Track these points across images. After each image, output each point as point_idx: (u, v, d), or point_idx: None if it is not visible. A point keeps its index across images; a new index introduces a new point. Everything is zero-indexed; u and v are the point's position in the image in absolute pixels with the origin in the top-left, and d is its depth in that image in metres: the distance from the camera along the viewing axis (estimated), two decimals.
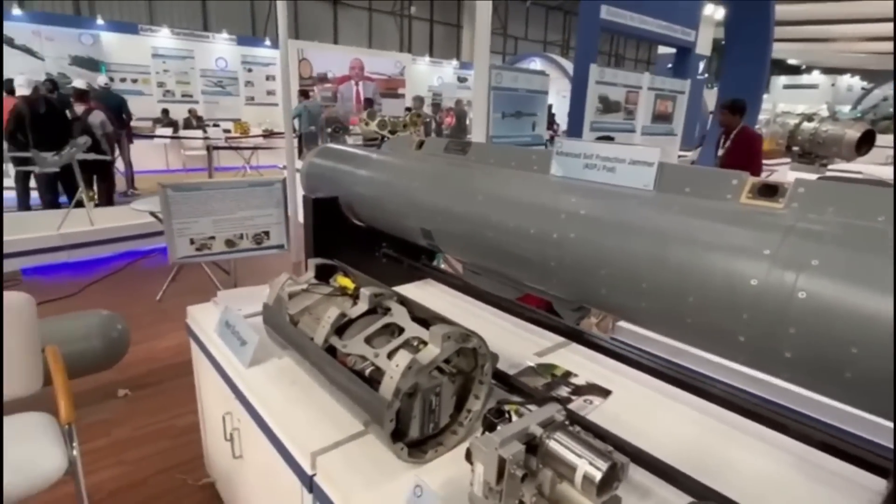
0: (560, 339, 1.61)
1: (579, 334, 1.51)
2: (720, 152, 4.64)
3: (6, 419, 1.63)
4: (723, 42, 7.99)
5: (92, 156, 4.80)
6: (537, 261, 1.25)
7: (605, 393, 1.37)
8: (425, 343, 1.08)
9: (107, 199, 6.07)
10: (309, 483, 1.11)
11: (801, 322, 0.81)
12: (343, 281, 1.40)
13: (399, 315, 1.22)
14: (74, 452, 1.53)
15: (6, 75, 6.04)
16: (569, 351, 1.59)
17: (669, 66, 8.68)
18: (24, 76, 5.58)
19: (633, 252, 1.05)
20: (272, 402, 1.30)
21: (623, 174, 1.19)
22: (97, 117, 5.88)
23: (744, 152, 4.39)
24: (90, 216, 4.65)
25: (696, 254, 0.96)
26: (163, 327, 3.24)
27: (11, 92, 5.61)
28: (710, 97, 9.31)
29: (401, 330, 1.17)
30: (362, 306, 1.25)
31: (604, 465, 0.85)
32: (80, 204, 4.47)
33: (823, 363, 0.80)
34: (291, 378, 1.37)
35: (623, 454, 0.88)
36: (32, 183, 5.64)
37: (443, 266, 2.57)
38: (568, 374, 1.46)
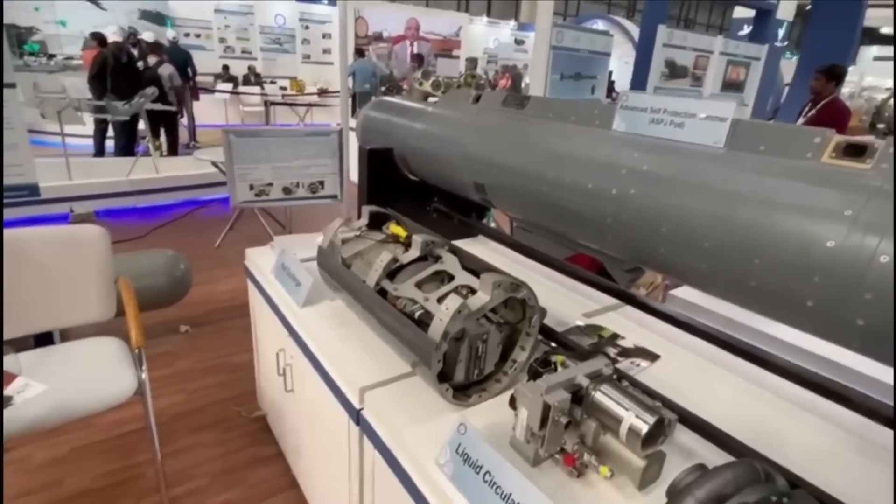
0: (609, 301, 1.58)
1: (630, 297, 1.48)
2: (800, 121, 4.30)
3: (86, 341, 1.78)
4: (808, 7, 7.33)
5: (159, 106, 5.01)
6: (593, 217, 1.23)
7: (653, 357, 1.34)
8: (474, 291, 1.09)
9: (172, 149, 6.36)
10: (356, 416, 1.16)
11: (880, 287, 0.76)
12: (395, 229, 1.41)
13: (450, 263, 1.23)
14: (143, 375, 1.65)
15: (77, 28, 6.33)
16: (617, 314, 1.57)
17: (745, 31, 8.09)
18: (115, 25, 5.91)
19: (697, 210, 1.00)
20: (324, 340, 1.35)
21: (692, 130, 1.13)
22: (166, 70, 6.12)
23: (829, 125, 4.06)
24: (156, 165, 4.90)
25: (767, 214, 0.91)
26: (221, 272, 3.40)
27: (103, 44, 5.88)
28: (788, 69, 8.62)
29: (451, 277, 1.18)
30: (414, 253, 1.27)
31: (651, 419, 0.85)
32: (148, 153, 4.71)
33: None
34: (342, 319, 1.42)
35: (673, 413, 0.87)
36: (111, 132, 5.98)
37: (492, 224, 2.56)
38: (615, 336, 1.44)
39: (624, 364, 1.30)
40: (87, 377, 1.60)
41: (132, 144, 5.85)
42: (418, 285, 1.18)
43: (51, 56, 8.74)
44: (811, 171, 0.92)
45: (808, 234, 0.84)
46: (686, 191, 1.04)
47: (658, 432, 0.85)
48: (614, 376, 0.96)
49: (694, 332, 1.27)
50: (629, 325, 1.49)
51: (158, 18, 10.42)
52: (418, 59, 9.88)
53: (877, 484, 0.95)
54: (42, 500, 1.70)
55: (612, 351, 1.36)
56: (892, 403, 0.98)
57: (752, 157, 1.01)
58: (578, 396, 0.94)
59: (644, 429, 0.84)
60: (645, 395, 0.92)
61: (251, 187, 1.97)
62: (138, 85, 5.33)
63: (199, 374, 2.39)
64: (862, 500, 0.85)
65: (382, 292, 1.22)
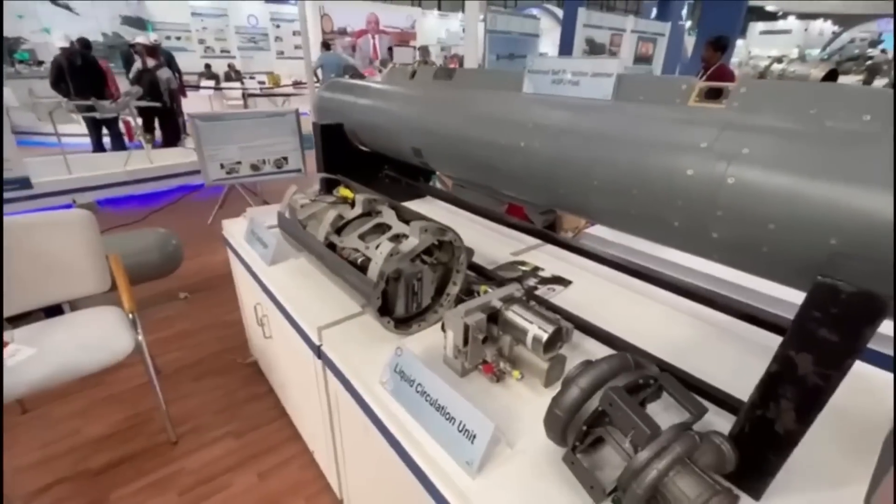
0: (533, 241, 1.58)
1: (548, 236, 1.47)
2: None
3: (86, 311, 1.69)
4: None
5: (145, 103, 4.66)
6: (508, 169, 1.20)
7: (566, 283, 1.36)
8: (407, 237, 1.06)
9: (172, 141, 6.01)
10: (318, 352, 1.14)
11: (729, 205, 0.76)
12: (343, 191, 1.36)
13: (388, 216, 1.19)
14: (139, 337, 1.58)
15: (56, 32, 5.77)
16: (541, 252, 1.57)
17: (654, 13, 8.00)
18: (61, 31, 5.40)
19: (588, 155, 0.99)
20: (288, 291, 1.31)
21: (586, 86, 1.10)
22: (165, 73, 5.68)
23: None
24: (150, 156, 4.60)
25: (643, 152, 0.90)
26: (213, 245, 3.27)
27: (88, 47, 5.37)
28: (692, 45, 8.61)
29: (389, 228, 1.15)
30: (357, 210, 1.23)
31: (550, 328, 0.85)
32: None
33: (744, 240, 0.77)
34: (304, 273, 1.38)
35: (570, 323, 0.87)
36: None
37: (437, 186, 2.51)
38: (536, 268, 1.44)
39: (542, 291, 1.31)
40: (87, 341, 1.53)
41: (119, 138, 5.49)
42: (361, 237, 1.14)
43: (40, 63, 7.98)
44: (678, 114, 0.90)
45: (674, 166, 0.83)
46: (579, 139, 1.01)
47: (557, 339, 0.86)
48: (524, 298, 0.96)
49: (596, 259, 1.28)
50: (549, 260, 1.50)
51: (139, 23, 9.57)
52: (390, 52, 9.45)
53: (729, 364, 1.00)
54: (63, 447, 1.65)
55: (532, 280, 1.37)
56: (746, 301, 1.02)
57: (633, 106, 0.99)
58: (494, 317, 0.93)
59: (544, 336, 0.84)
60: (548, 311, 0.92)
61: (222, 166, 1.86)
62: (101, 83, 4.96)
63: (197, 332, 2.32)
64: (717, 377, 0.89)
65: (332, 246, 1.18)
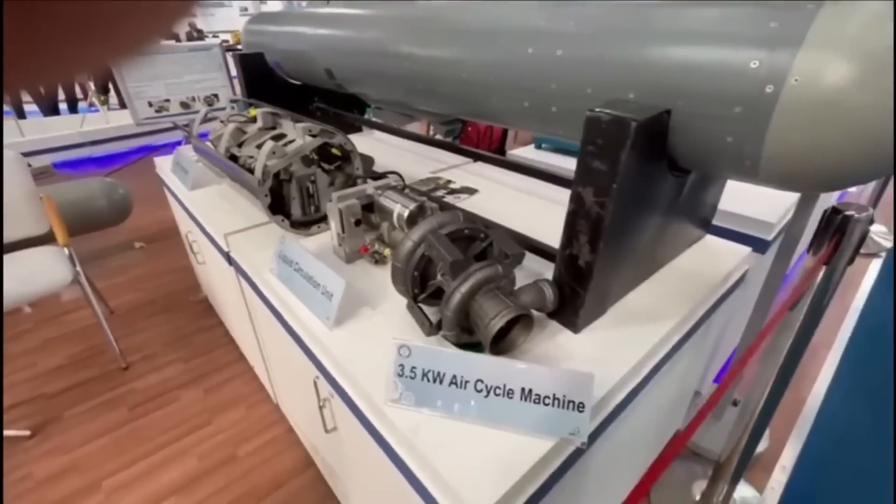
0: (454, 161, 1.65)
1: (469, 153, 1.54)
2: None
3: (24, 252, 1.75)
4: None
5: None
6: (405, 80, 1.24)
7: (472, 192, 1.43)
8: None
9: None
10: (228, 258, 1.22)
11: (559, 77, 0.83)
12: (252, 111, 1.40)
13: (287, 128, 1.24)
14: (77, 269, 1.65)
15: None
16: (461, 170, 1.64)
17: None
18: None
19: (461, 55, 1.03)
20: (205, 211, 1.37)
21: None
22: None
23: None
24: (106, 117, 4.51)
25: (497, 43, 0.95)
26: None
27: None
28: None
29: (284, 137, 1.20)
30: (259, 124, 1.27)
31: (412, 205, 0.93)
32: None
33: (572, 108, 0.83)
34: (222, 195, 1.44)
35: (436, 204, 0.95)
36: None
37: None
38: (449, 181, 1.51)
39: (449, 199, 1.39)
40: (24, 274, 1.59)
41: (73, 101, 5.34)
42: (258, 147, 1.19)
43: None
44: (529, 4, 0.95)
45: (521, 49, 0.89)
46: (457, 40, 1.06)
47: (419, 214, 0.94)
48: (399, 186, 1.04)
49: (501, 165, 1.35)
50: (464, 176, 1.57)
51: None
52: None
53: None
54: (20, 378, 1.75)
55: (442, 191, 1.44)
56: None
57: (493, 4, 1.03)
58: (371, 206, 1.01)
59: (405, 212, 0.92)
60: (416, 194, 1.00)
61: (150, 104, 1.87)
62: None
63: (151, 277, 2.39)
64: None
65: (234, 158, 1.24)
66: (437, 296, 0.83)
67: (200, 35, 9.61)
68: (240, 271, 1.20)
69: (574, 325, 0.80)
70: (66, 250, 1.66)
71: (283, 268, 0.98)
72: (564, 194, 1.26)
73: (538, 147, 1.92)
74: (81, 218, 2.29)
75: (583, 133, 0.67)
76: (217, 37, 9.59)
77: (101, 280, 2.32)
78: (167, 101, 1.86)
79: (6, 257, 1.72)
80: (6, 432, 1.50)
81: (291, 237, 0.98)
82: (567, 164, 1.77)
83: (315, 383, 0.94)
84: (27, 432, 1.51)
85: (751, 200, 1.30)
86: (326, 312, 0.84)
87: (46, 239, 1.79)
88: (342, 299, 0.82)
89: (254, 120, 1.38)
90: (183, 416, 1.58)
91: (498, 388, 0.62)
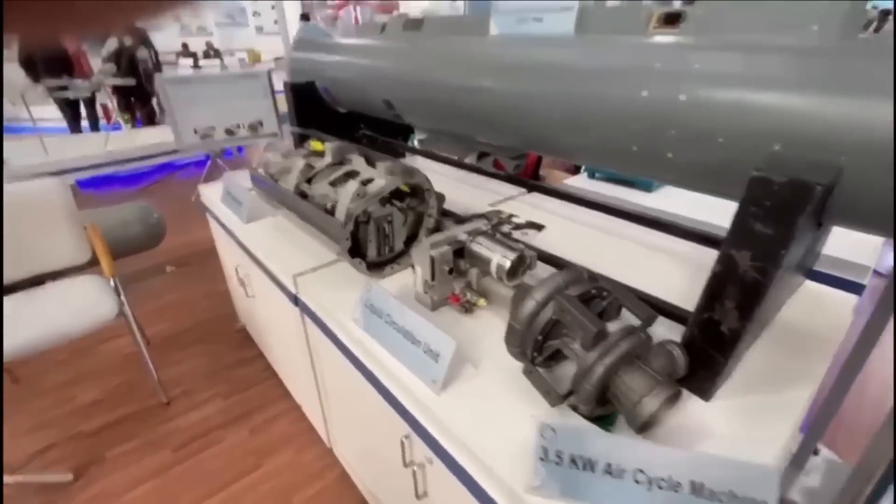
0: (511, 192, 1.60)
1: (524, 182, 1.49)
2: None
3: (68, 280, 1.70)
4: None
5: (119, 81, 4.56)
6: (476, 112, 1.20)
7: (539, 227, 1.38)
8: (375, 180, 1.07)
9: (150, 121, 5.89)
10: (295, 299, 1.16)
11: (682, 123, 0.78)
12: (315, 144, 1.36)
13: (358, 163, 1.19)
14: (122, 301, 1.60)
15: None
16: (517, 202, 1.58)
17: None
18: None
19: (551, 90, 0.99)
20: (265, 245, 1.33)
21: (549, 22, 1.09)
22: (142, 53, 5.53)
23: None
24: (130, 136, 4.53)
25: (603, 82, 0.90)
26: (199, 221, 3.20)
27: None
28: None
29: (359, 174, 1.15)
30: (328, 159, 1.23)
31: (513, 255, 0.87)
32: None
33: (696, 157, 0.78)
34: (280, 228, 1.39)
35: (534, 252, 0.90)
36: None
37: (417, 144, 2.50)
38: (511, 215, 1.46)
39: (516, 235, 1.33)
40: (70, 307, 1.54)
41: (96, 119, 5.38)
42: (332, 184, 1.15)
43: None
44: (637, 40, 0.91)
45: (631, 91, 0.84)
46: (542, 75, 1.02)
47: (520, 265, 0.89)
48: (490, 231, 0.98)
49: (568, 199, 1.30)
50: (524, 208, 1.51)
51: None
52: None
53: (685, 283, 1.03)
54: (57, 413, 1.69)
55: (506, 227, 1.39)
56: (702, 228, 1.04)
57: (594, 38, 0.99)
58: (461, 251, 0.96)
59: (507, 263, 0.87)
60: (513, 241, 0.94)
61: (195, 132, 1.84)
62: (69, 62, 4.83)
63: (184, 304, 2.34)
64: (671, 295, 0.92)
65: (304, 195, 1.19)
66: (552, 357, 0.76)
67: (218, 53, 9.76)
68: (307, 313, 1.14)
69: (706, 392, 0.73)
70: (111, 281, 1.61)
71: (372, 319, 0.92)
72: (637, 231, 1.21)
73: (591, 177, 1.87)
74: (116, 244, 2.23)
75: (745, 193, 0.61)
76: (234, 55, 9.73)
77: (134, 306, 2.26)
78: (212, 128, 1.83)
79: (49, 286, 1.68)
80: (48, 478, 1.43)
81: (379, 286, 0.92)
82: (624, 196, 1.72)
83: (403, 442, 0.88)
84: (70, 476, 1.43)
85: (838, 241, 1.24)
86: (432, 375, 0.77)
87: (85, 266, 1.75)
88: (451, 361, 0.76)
89: (315, 153, 1.34)
90: (229, 459, 1.50)
91: (662, 479, 0.56)
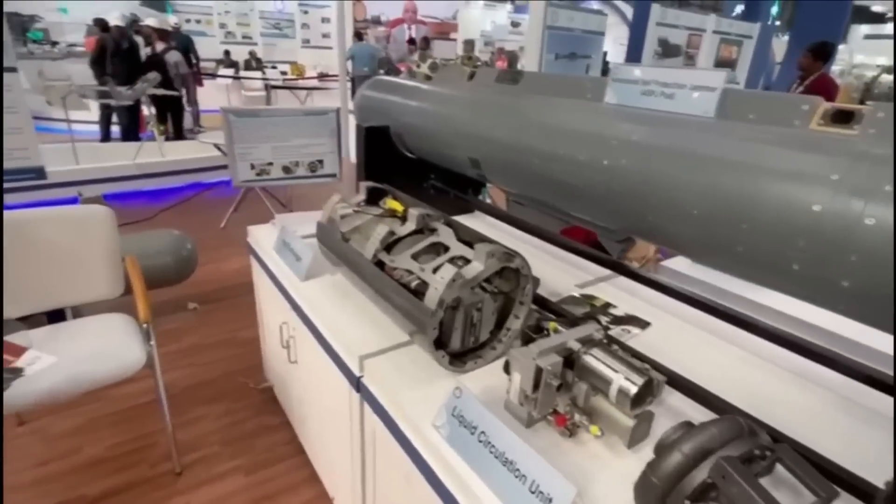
0: (602, 272, 1.58)
1: (622, 267, 1.47)
2: None
3: (95, 317, 1.78)
4: None
5: (161, 91, 4.93)
6: (585, 188, 1.21)
7: (643, 324, 1.34)
8: (469, 262, 1.08)
9: (177, 133, 6.30)
10: (357, 383, 1.16)
11: (866, 249, 0.75)
12: (392, 203, 1.40)
13: (445, 235, 1.21)
14: (152, 349, 1.65)
15: (79, 15, 6.28)
16: (609, 285, 1.56)
17: (738, 11, 7.94)
18: (118, 11, 5.95)
19: (687, 179, 0.99)
20: (324, 311, 1.35)
21: (683, 101, 1.10)
22: (173, 57, 6.06)
23: None
24: (161, 149, 4.84)
25: (755, 180, 0.89)
26: (226, 251, 3.39)
27: (105, 29, 5.88)
28: (779, 48, 8.47)
29: (446, 248, 1.17)
30: (410, 226, 1.26)
31: (640, 380, 0.84)
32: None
33: (884, 290, 0.75)
34: (343, 292, 1.42)
35: (661, 374, 0.87)
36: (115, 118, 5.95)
37: (488, 200, 2.54)
38: (608, 304, 1.43)
39: (615, 331, 1.30)
40: (97, 351, 1.60)
41: (136, 129, 5.81)
42: (414, 257, 1.17)
43: (54, 43, 8.58)
44: (799, 138, 0.90)
45: (795, 199, 0.83)
46: (676, 160, 1.02)
47: (646, 393, 0.85)
48: (604, 341, 0.96)
49: (682, 299, 1.27)
50: (621, 295, 1.49)
51: (159, 5, 10.21)
52: (415, 42, 9.73)
53: (857, 440, 0.96)
54: (62, 468, 1.72)
55: (604, 319, 1.36)
56: (874, 365, 0.98)
57: (741, 126, 0.99)
58: (570, 360, 0.93)
59: (633, 390, 0.84)
60: (634, 358, 0.92)
61: (252, 167, 1.95)
62: (138, 70, 5.30)
63: (207, 349, 2.40)
64: (843, 455, 0.85)
65: (380, 264, 1.22)
66: None
67: (260, 64, 10.50)
68: (370, 401, 1.13)
69: None
70: (144, 326, 1.67)
71: (459, 432, 0.90)
72: (776, 349, 1.11)
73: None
74: (145, 276, 2.35)
75: None
76: (275, 67, 10.43)
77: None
78: (270, 164, 1.94)
79: (75, 323, 1.76)
80: None
81: (470, 393, 0.91)
82: (740, 289, 1.66)
83: None
84: None
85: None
86: None
87: (120, 304, 1.83)
88: None
89: (392, 214, 1.37)
90: None
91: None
